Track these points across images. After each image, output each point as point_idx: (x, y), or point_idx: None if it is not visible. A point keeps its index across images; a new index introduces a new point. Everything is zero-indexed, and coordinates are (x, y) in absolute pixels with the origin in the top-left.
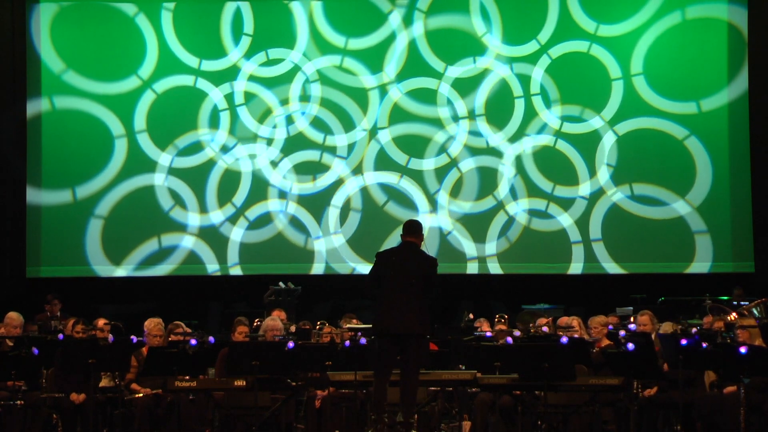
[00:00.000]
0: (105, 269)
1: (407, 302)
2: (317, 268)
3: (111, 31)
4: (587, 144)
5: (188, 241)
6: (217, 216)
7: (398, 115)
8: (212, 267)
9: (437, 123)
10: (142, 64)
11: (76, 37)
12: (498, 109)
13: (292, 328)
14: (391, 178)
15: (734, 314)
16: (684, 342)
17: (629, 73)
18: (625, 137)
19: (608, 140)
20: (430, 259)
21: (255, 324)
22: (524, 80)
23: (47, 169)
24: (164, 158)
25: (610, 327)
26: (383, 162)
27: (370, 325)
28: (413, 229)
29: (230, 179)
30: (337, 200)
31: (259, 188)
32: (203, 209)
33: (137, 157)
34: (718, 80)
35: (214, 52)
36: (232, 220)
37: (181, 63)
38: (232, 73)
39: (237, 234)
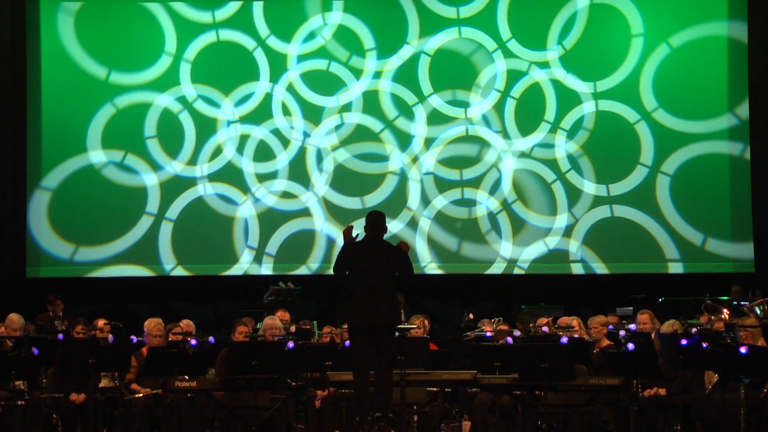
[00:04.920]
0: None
1: (381, 293)
2: None
3: (123, 21)
4: (643, 197)
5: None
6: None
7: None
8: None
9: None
10: (164, 40)
11: (100, 38)
12: (537, 204)
13: (292, 328)
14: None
15: (726, 311)
16: (684, 342)
17: (646, 112)
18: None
19: (663, 184)
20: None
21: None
22: (551, 164)
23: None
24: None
25: (610, 327)
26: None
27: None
28: (376, 221)
29: None
30: None
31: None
32: None
33: (204, 122)
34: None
35: None
36: None
37: (196, 24)
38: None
39: None
